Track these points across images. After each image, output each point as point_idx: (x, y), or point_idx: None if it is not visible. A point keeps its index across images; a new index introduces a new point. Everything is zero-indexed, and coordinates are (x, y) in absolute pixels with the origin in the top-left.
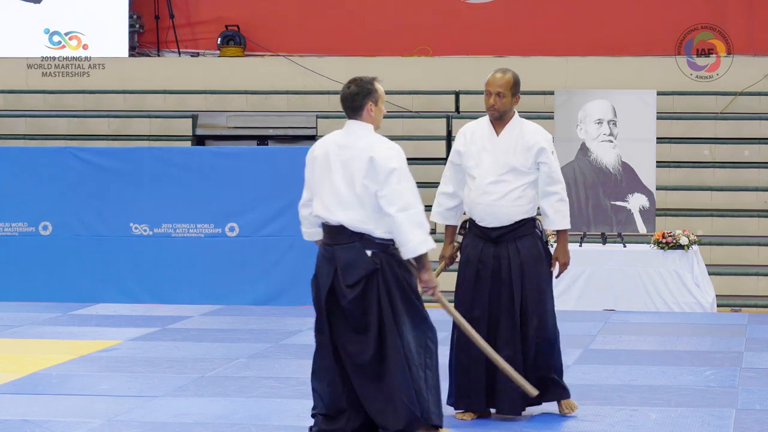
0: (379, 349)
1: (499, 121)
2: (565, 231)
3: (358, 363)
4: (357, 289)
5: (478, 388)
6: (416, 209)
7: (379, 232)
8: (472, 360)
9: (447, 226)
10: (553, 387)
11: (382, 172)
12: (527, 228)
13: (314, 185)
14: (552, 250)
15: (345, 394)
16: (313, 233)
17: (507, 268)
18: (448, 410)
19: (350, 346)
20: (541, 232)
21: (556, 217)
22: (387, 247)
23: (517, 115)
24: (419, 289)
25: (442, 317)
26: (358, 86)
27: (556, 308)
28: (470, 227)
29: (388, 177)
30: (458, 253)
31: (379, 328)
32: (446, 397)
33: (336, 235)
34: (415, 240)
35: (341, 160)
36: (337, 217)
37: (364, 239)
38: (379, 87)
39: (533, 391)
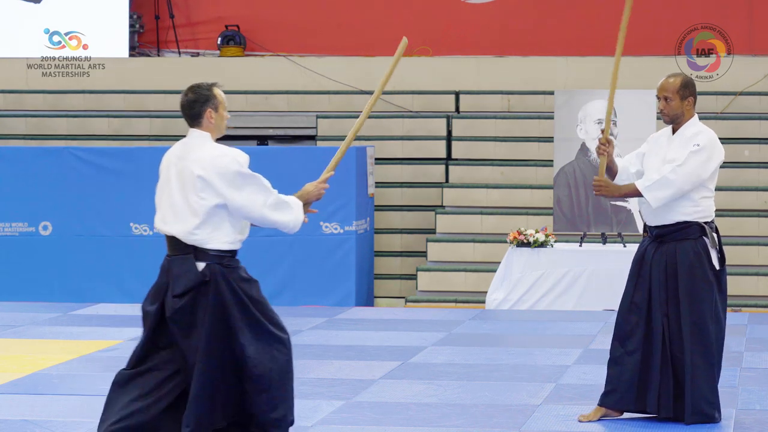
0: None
1: (675, 125)
2: (635, 187)
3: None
4: (184, 300)
5: (629, 384)
6: (272, 198)
7: (213, 243)
8: (625, 354)
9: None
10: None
11: (222, 183)
12: (690, 232)
13: (157, 198)
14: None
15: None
16: None
17: (659, 270)
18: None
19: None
20: (709, 239)
21: (643, 179)
22: (222, 259)
23: (695, 118)
24: None
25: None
26: (195, 93)
27: (556, 308)
28: (644, 228)
29: (232, 182)
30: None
31: (208, 342)
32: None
33: (172, 246)
34: (290, 222)
35: (178, 170)
36: (170, 229)
37: (198, 251)
38: (219, 92)
39: None
